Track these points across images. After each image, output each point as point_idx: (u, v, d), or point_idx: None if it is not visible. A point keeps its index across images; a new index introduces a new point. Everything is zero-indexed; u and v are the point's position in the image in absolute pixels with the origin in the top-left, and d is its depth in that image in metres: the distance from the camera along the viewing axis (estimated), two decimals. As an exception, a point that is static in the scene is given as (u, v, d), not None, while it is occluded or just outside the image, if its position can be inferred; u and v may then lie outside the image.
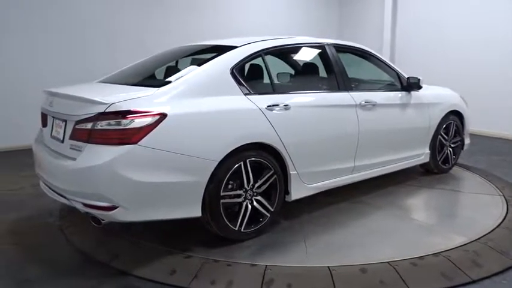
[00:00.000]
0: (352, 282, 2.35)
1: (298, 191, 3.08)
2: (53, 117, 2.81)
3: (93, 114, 2.38)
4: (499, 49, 6.67)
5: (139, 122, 2.33)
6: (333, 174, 3.33)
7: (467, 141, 4.69)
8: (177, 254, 2.66)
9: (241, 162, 2.71)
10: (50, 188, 2.72)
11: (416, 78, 3.90)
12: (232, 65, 2.84)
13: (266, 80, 3.10)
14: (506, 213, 3.37)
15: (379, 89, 3.98)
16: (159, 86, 2.58)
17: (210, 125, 2.59)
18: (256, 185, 2.82)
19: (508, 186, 4.10)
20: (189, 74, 2.71)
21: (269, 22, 8.07)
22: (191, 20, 7.13)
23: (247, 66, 3.12)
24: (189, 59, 3.33)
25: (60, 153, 2.63)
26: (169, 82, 2.63)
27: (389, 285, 2.31)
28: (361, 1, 8.99)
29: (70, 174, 2.43)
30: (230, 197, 2.72)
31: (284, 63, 4.10)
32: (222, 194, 2.64)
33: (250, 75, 3.15)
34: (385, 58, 4.17)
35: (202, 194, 2.56)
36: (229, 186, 2.72)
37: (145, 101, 2.43)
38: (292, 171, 3.00)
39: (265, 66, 3.09)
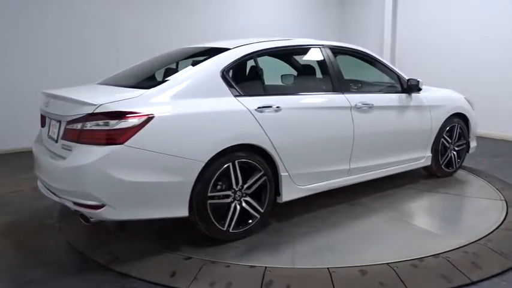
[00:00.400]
0: (351, 284, 2.35)
1: (289, 193, 3.08)
2: (50, 118, 2.90)
3: (82, 115, 2.45)
4: (500, 50, 6.55)
5: (126, 122, 2.39)
6: (326, 176, 3.31)
7: (473, 144, 4.57)
8: (177, 255, 2.68)
9: (230, 163, 2.73)
10: (47, 188, 2.80)
11: (416, 80, 3.85)
12: (223, 67, 2.87)
13: (258, 81, 3.11)
14: (506, 215, 3.32)
15: (378, 91, 3.93)
16: (150, 88, 2.63)
17: (196, 126, 2.62)
18: (246, 186, 2.84)
19: (508, 188, 4.02)
20: (180, 76, 2.76)
21: (271, 23, 8.06)
22: (193, 21, 7.14)
23: (239, 68, 3.14)
24: (188, 61, 3.36)
25: (54, 153, 2.71)
26: (161, 83, 2.68)
27: (389, 287, 2.31)
28: (362, 2, 8.90)
29: (60, 173, 2.51)
30: (218, 197, 2.74)
31: (279, 65, 4.08)
32: (209, 194, 2.67)
33: (241, 77, 3.17)
34: (386, 59, 4.13)
35: (189, 194, 2.59)
36: (218, 186, 2.75)
37: (134, 102, 2.49)
38: (283, 173, 3.00)
39: (258, 68, 3.11)
